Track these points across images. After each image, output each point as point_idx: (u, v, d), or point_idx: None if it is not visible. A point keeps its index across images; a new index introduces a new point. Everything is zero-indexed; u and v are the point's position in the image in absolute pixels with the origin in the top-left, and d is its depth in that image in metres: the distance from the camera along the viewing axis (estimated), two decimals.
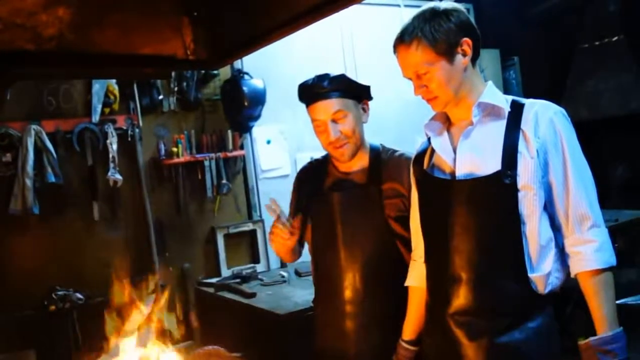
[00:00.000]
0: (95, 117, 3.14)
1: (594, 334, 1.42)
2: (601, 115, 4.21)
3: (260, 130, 3.69)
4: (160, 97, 3.38)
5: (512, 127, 1.48)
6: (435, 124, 1.63)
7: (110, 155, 3.13)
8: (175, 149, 3.37)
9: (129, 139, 3.25)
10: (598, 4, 4.32)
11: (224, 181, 3.51)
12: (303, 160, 2.35)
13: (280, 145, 3.79)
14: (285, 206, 1.97)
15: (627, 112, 4.09)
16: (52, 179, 2.93)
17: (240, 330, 2.91)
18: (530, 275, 1.45)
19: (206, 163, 3.46)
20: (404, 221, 1.78)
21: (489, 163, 1.47)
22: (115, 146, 3.15)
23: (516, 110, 1.50)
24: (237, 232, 3.61)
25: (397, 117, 3.98)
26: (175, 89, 3.42)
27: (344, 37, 4.03)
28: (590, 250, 1.43)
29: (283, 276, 3.29)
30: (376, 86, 1.93)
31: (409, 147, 1.91)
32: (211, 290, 3.26)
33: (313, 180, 2.00)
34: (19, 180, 2.88)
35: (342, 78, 1.84)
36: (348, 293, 1.85)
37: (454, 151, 1.55)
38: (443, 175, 1.57)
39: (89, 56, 1.56)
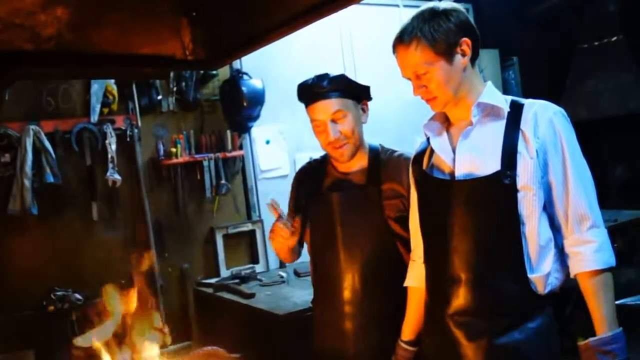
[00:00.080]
0: (94, 117, 3.14)
1: (594, 335, 1.42)
2: (600, 116, 4.21)
3: (259, 131, 3.69)
4: (159, 97, 3.38)
5: (511, 127, 1.48)
6: (435, 124, 1.63)
7: (109, 156, 3.13)
8: (174, 149, 3.37)
9: (128, 139, 3.25)
10: (598, 4, 4.31)
11: (223, 181, 3.51)
12: (302, 160, 2.35)
13: (280, 146, 3.79)
14: (284, 206, 1.97)
15: (626, 112, 4.09)
16: (51, 179, 2.93)
17: (239, 331, 2.91)
18: (529, 275, 1.45)
19: (205, 163, 3.46)
20: (404, 221, 1.78)
21: (488, 163, 1.47)
22: (114, 146, 3.15)
23: (515, 111, 1.50)
24: (236, 233, 3.61)
25: (396, 118, 3.98)
26: (174, 89, 3.42)
27: (343, 37, 4.03)
28: (590, 250, 1.43)
29: (282, 276, 3.28)
30: (375, 86, 1.93)
31: (408, 148, 1.90)
32: (210, 290, 3.26)
33: (312, 181, 2.00)
34: (17, 181, 2.87)
35: (342, 78, 1.84)
36: (347, 293, 1.85)
37: (453, 151, 1.55)
38: (442, 175, 1.57)
39: (88, 56, 1.56)
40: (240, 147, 3.61)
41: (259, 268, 3.60)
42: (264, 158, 3.73)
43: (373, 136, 1.97)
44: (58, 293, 2.90)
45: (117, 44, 1.57)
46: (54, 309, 2.87)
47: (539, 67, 4.78)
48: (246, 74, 3.46)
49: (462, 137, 1.53)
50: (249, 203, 3.68)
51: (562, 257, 1.50)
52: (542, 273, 1.46)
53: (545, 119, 1.47)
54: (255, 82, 3.45)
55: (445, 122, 1.62)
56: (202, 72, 3.46)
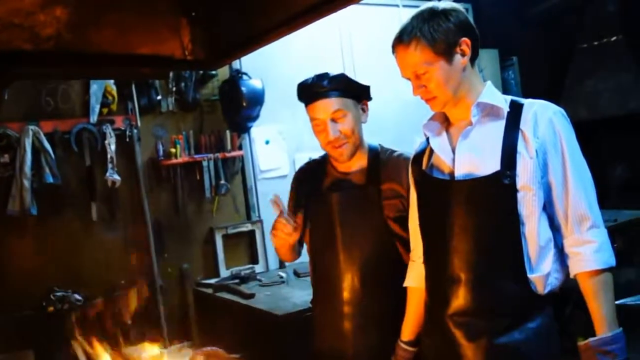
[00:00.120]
0: (93, 118, 3.14)
1: (594, 335, 1.42)
2: (600, 115, 4.21)
3: (258, 131, 3.68)
4: (159, 97, 3.38)
5: (511, 127, 1.47)
6: (434, 124, 1.62)
7: (109, 156, 3.13)
8: (173, 150, 3.37)
9: (127, 139, 3.24)
10: (598, 4, 4.31)
11: (223, 182, 3.50)
12: (302, 160, 2.34)
13: (279, 146, 3.78)
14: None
15: (626, 112, 4.09)
16: (50, 179, 2.93)
17: (239, 331, 2.90)
18: (529, 275, 1.45)
19: (204, 163, 3.45)
20: (403, 221, 1.78)
21: (488, 163, 1.46)
22: (113, 147, 3.15)
23: (515, 111, 1.49)
24: (235, 233, 3.61)
25: (395, 117, 3.98)
26: (174, 89, 3.42)
27: (343, 37, 4.03)
28: (590, 250, 1.43)
29: (282, 277, 3.28)
30: (375, 86, 1.93)
31: (408, 148, 1.90)
32: (210, 291, 3.25)
33: (311, 180, 2.00)
34: (16, 181, 2.87)
35: (342, 77, 1.83)
36: (346, 294, 1.85)
37: (453, 151, 1.55)
38: (442, 175, 1.57)
39: (87, 56, 1.56)
40: (240, 147, 3.61)
41: (258, 268, 3.59)
42: (263, 158, 3.73)
43: (372, 136, 1.97)
44: (58, 293, 2.90)
45: (116, 44, 1.57)
46: (53, 309, 2.87)
47: (538, 67, 4.78)
48: (245, 74, 3.46)
49: (461, 137, 1.53)
50: (249, 203, 3.68)
51: (561, 257, 1.49)
52: (542, 273, 1.46)
53: (545, 119, 1.46)
54: (255, 82, 3.45)
55: (444, 122, 1.62)
56: (201, 72, 3.45)
